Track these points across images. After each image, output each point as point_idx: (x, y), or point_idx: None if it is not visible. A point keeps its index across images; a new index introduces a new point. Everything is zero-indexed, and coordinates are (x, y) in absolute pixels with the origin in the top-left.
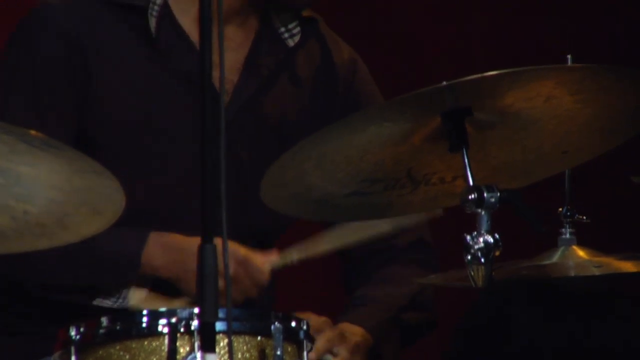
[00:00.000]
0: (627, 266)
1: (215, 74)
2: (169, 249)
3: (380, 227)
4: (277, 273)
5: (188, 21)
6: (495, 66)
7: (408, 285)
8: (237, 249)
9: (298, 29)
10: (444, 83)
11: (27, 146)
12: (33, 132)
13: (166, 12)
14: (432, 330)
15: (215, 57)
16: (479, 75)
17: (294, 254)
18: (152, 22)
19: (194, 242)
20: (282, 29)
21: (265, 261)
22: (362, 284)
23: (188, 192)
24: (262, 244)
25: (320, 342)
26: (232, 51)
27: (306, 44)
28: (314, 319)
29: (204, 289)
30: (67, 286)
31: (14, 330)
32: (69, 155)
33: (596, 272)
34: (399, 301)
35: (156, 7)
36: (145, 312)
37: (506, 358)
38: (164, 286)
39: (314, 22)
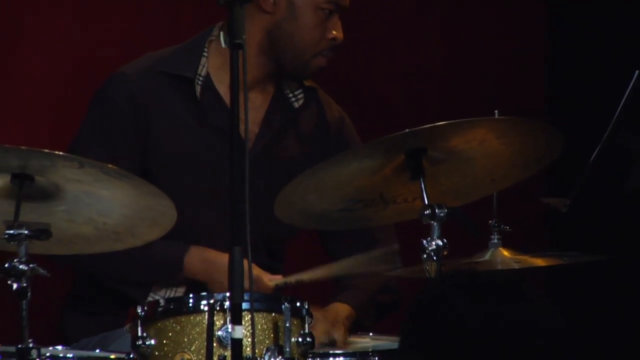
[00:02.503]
0: (538, 261)
1: (242, 127)
2: (204, 260)
3: (358, 266)
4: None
5: (223, 88)
6: (444, 117)
7: (380, 276)
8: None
9: (302, 94)
10: (407, 130)
11: (106, 176)
12: (110, 165)
13: (208, 82)
14: (397, 309)
15: (242, 115)
16: (432, 124)
17: (292, 278)
18: (198, 89)
19: (223, 257)
20: (290, 95)
21: (271, 279)
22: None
23: (218, 213)
24: (271, 252)
25: (319, 329)
26: (254, 110)
27: (308, 106)
28: (314, 313)
29: (233, 279)
30: (129, 281)
31: (92, 310)
32: (136, 183)
33: (516, 266)
34: (374, 286)
35: (201, 78)
36: (191, 295)
37: (443, 330)
38: (198, 286)
39: (313, 90)
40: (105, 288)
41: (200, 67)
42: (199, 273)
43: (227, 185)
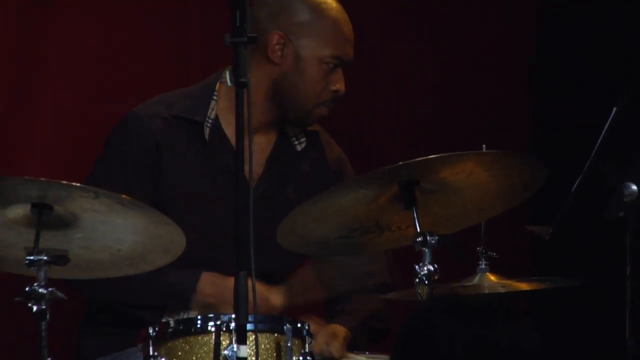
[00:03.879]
0: (523, 286)
1: (246, 167)
2: (214, 284)
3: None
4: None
5: (230, 130)
6: (435, 151)
7: (373, 303)
8: (259, 289)
9: (304, 138)
10: (400, 163)
11: (120, 206)
12: (124, 196)
13: (216, 124)
14: (388, 335)
15: (246, 156)
16: (424, 158)
17: (298, 299)
18: (207, 132)
19: (230, 281)
20: (293, 138)
21: (278, 300)
22: (335, 300)
23: (223, 246)
24: (271, 282)
25: (320, 341)
26: (258, 152)
27: (309, 149)
28: (314, 322)
29: (239, 302)
30: (143, 306)
31: (105, 331)
32: (148, 213)
33: (502, 290)
34: (367, 313)
35: (210, 120)
36: (199, 317)
37: (432, 349)
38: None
39: (315, 133)
40: (118, 310)
41: (210, 110)
42: (210, 296)
43: (230, 221)
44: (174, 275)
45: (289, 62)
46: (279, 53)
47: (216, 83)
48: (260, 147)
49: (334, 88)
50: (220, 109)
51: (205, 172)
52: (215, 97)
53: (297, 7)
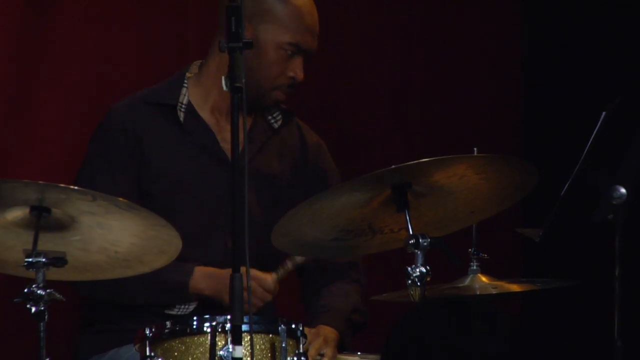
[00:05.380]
0: (514, 287)
1: (225, 146)
2: (208, 277)
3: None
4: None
5: (204, 113)
6: (427, 154)
7: (352, 297)
8: (252, 270)
9: (280, 116)
10: (393, 166)
11: (117, 208)
12: (121, 199)
13: (190, 108)
14: (366, 327)
15: (226, 136)
16: (416, 161)
17: (289, 266)
18: (181, 116)
19: (224, 272)
20: (270, 117)
21: (269, 276)
22: (314, 296)
23: (208, 222)
24: (265, 266)
25: (312, 350)
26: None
27: (286, 126)
28: (307, 332)
29: (234, 304)
30: (142, 303)
31: (100, 328)
32: (144, 214)
33: (493, 291)
34: (349, 308)
35: (183, 105)
36: (195, 318)
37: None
38: (207, 301)
39: (290, 113)
40: (114, 309)
41: (182, 96)
42: (205, 289)
43: (216, 197)
44: (167, 273)
45: None
46: None
47: (184, 74)
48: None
49: (290, 74)
50: (192, 95)
51: (185, 153)
52: (185, 85)
53: None
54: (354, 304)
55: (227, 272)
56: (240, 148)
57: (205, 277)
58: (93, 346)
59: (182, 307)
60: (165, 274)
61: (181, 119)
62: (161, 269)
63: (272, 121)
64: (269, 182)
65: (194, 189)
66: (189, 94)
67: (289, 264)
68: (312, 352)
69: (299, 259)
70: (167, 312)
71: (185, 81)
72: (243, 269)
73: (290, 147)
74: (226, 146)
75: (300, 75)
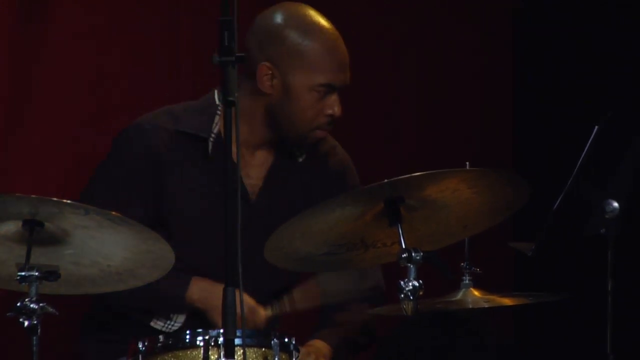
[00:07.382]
0: (506, 301)
1: (247, 181)
2: (203, 290)
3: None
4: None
5: (233, 146)
6: (419, 168)
7: (362, 316)
8: (247, 301)
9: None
10: (386, 180)
11: (110, 222)
12: (114, 212)
13: (219, 139)
14: (370, 348)
15: (250, 171)
16: (409, 175)
17: (286, 307)
18: (210, 146)
19: (219, 287)
20: (294, 149)
21: (263, 312)
22: (329, 306)
23: (217, 256)
24: (265, 292)
25: None
26: (259, 166)
27: (311, 158)
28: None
29: (227, 317)
30: (136, 311)
31: (100, 338)
32: (137, 229)
33: (485, 305)
34: (356, 325)
35: (213, 135)
36: (187, 331)
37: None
38: (198, 315)
39: (316, 143)
40: (111, 321)
41: (214, 125)
42: (197, 301)
43: (229, 235)
44: (164, 282)
45: (278, 91)
46: (268, 83)
47: (216, 102)
48: (260, 160)
49: (329, 112)
50: (222, 125)
51: (207, 187)
52: (219, 112)
53: (284, 35)
54: (362, 323)
55: (220, 286)
56: (259, 183)
57: (200, 290)
58: (93, 354)
59: (168, 322)
60: (162, 281)
61: (209, 150)
62: (158, 283)
63: (297, 154)
64: (288, 217)
65: (212, 223)
66: (220, 123)
67: (287, 307)
68: None
69: (299, 306)
70: (153, 325)
71: (218, 111)
72: (238, 293)
73: (314, 180)
74: (249, 181)
75: (338, 112)
